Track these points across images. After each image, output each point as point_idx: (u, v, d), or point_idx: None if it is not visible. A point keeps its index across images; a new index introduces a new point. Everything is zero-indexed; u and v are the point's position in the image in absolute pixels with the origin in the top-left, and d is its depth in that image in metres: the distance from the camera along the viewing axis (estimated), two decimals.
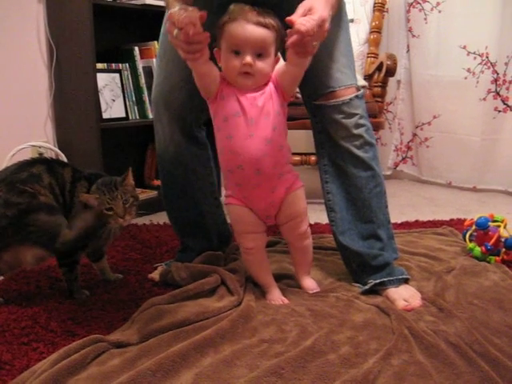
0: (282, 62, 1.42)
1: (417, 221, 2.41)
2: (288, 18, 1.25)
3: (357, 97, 1.56)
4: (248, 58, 1.32)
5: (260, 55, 1.34)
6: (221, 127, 1.41)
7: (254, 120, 1.37)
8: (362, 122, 1.57)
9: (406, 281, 1.58)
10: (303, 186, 1.51)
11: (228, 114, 1.38)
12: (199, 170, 1.73)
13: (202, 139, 1.73)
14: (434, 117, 3.25)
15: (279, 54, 1.43)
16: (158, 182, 2.91)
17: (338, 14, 1.48)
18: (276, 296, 1.52)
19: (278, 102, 1.40)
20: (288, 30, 1.26)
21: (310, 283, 1.59)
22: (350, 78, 1.57)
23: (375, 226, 1.58)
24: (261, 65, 1.34)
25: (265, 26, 1.32)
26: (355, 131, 1.56)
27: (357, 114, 1.56)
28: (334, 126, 1.56)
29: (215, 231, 1.81)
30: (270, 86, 1.40)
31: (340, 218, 1.61)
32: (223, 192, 1.59)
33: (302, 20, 1.23)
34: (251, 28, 1.31)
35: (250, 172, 1.40)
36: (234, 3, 1.36)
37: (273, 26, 1.33)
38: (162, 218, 2.47)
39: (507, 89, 3.04)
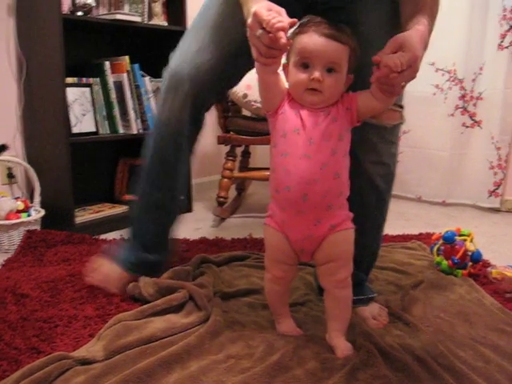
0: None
1: (386, 235, 2.42)
2: (374, 56, 1.15)
3: (400, 124, 1.48)
4: (317, 73, 1.19)
5: (330, 70, 1.21)
6: (278, 143, 1.28)
7: (314, 140, 1.23)
8: (395, 151, 1.50)
9: (373, 298, 1.59)
10: (353, 229, 1.31)
11: (287, 130, 1.25)
12: (189, 154, 1.65)
13: (202, 123, 1.63)
14: (404, 132, 3.28)
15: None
16: (128, 197, 2.89)
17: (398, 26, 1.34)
18: (291, 328, 1.41)
19: (343, 125, 1.26)
20: (374, 67, 1.16)
21: (342, 344, 1.31)
22: (400, 98, 1.45)
23: (362, 252, 1.45)
24: (330, 81, 1.21)
25: (338, 39, 1.20)
26: (386, 160, 1.48)
27: (394, 143, 1.49)
28: (365, 148, 1.43)
29: (164, 227, 1.71)
30: (338, 108, 1.26)
31: None
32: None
33: (390, 56, 1.13)
34: (322, 40, 1.19)
35: (296, 195, 1.25)
36: (307, 16, 1.25)
37: (347, 41, 1.21)
38: None
39: (474, 105, 3.10)
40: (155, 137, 1.61)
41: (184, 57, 1.52)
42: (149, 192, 1.65)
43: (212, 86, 1.53)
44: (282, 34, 1.10)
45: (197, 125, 1.61)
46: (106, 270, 1.71)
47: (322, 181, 1.24)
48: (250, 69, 1.48)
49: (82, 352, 1.28)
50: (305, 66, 1.21)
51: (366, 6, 1.39)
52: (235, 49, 1.45)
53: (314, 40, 1.20)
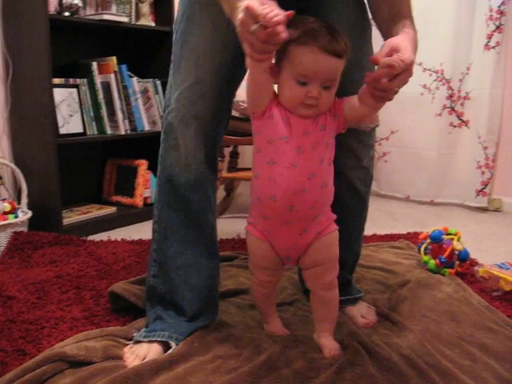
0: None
1: (374, 235, 2.43)
2: (372, 56, 1.12)
3: (377, 126, 1.47)
4: (315, 91, 1.15)
5: (328, 86, 1.16)
6: (263, 149, 1.22)
7: (302, 149, 1.19)
8: (372, 154, 1.50)
9: (361, 298, 1.59)
10: (337, 230, 1.30)
11: (274, 137, 1.19)
12: (212, 202, 1.45)
13: (217, 166, 1.46)
14: (392, 132, 3.31)
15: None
16: (116, 198, 2.89)
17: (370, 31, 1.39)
18: (278, 328, 1.42)
19: (330, 132, 1.23)
20: (367, 73, 1.13)
21: (330, 344, 1.31)
22: None
23: (346, 254, 1.44)
24: (327, 96, 1.17)
25: (339, 54, 1.14)
26: (365, 164, 1.47)
27: (372, 146, 1.49)
28: (345, 154, 1.42)
29: (201, 289, 1.42)
30: (326, 115, 1.21)
31: None
32: None
33: (388, 58, 1.10)
34: (324, 59, 1.13)
35: (282, 206, 1.21)
36: (301, 16, 1.16)
37: (344, 50, 1.15)
38: (119, 234, 2.45)
39: (462, 104, 3.11)
40: (174, 192, 1.40)
41: (183, 93, 1.38)
42: (180, 252, 1.41)
43: (219, 118, 1.41)
44: (281, 27, 1.02)
45: (213, 167, 1.44)
46: (143, 353, 1.30)
47: (310, 191, 1.21)
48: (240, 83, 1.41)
49: (81, 350, 1.25)
50: (302, 81, 1.16)
51: (333, 7, 1.37)
52: (227, 70, 1.38)
53: (314, 58, 1.13)
